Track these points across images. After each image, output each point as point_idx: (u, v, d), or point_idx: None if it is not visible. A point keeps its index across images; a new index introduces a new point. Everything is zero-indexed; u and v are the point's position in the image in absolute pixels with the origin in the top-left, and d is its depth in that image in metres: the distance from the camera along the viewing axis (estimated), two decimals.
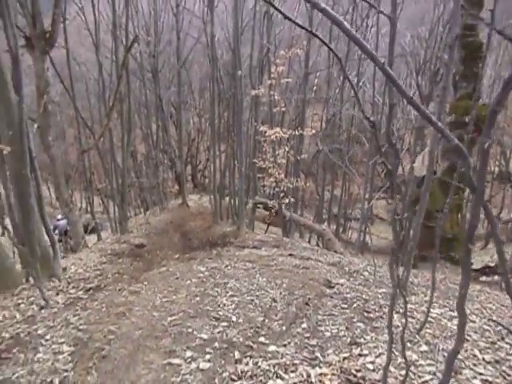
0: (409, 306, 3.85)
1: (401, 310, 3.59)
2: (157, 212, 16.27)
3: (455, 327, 3.35)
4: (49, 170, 11.78)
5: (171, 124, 23.90)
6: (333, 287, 4.52)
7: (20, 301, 4.23)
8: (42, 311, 3.80)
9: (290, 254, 7.15)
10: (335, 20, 0.89)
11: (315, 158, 18.20)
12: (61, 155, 19.98)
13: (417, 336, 3.14)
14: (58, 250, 5.68)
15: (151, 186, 18.64)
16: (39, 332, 3.28)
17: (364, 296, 4.14)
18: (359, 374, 2.58)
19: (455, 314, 3.71)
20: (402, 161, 13.64)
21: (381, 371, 2.55)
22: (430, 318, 3.38)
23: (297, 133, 10.19)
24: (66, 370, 2.64)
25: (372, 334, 3.17)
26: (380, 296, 4.18)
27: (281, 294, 4.25)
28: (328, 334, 3.17)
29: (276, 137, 9.61)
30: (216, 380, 2.53)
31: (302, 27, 1.26)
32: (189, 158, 28.90)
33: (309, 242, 13.08)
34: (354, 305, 3.83)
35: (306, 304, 3.91)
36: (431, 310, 3.55)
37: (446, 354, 2.83)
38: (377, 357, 2.79)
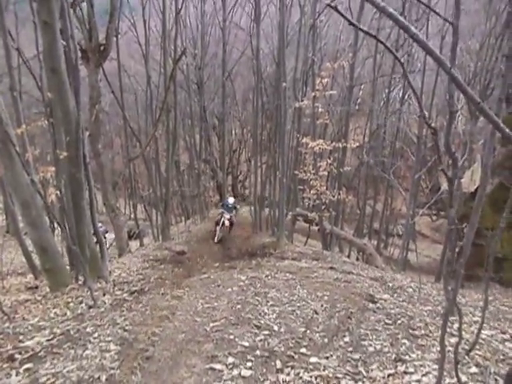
0: (456, 325, 3.70)
1: (448, 330, 3.45)
2: (197, 221, 16.53)
3: (507, 350, 3.19)
4: (97, 177, 12.27)
5: (214, 135, 24.35)
6: (376, 302, 4.41)
7: (70, 299, 4.42)
8: (91, 310, 3.95)
9: (331, 267, 7.05)
10: (402, 24, 0.89)
11: (357, 171, 17.93)
12: (108, 163, 20.83)
13: (466, 357, 3.00)
14: (106, 253, 5.89)
15: (193, 195, 19.01)
16: (88, 330, 3.41)
17: (409, 313, 4.01)
18: None
19: (507, 336, 3.52)
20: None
21: None
22: (480, 340, 3.23)
23: (340, 145, 10.09)
24: (113, 368, 2.72)
25: (418, 352, 3.06)
26: (425, 313, 4.04)
27: (322, 306, 4.19)
28: (372, 348, 3.09)
29: (319, 148, 9.55)
30: None
31: (368, 33, 1.27)
32: (230, 168, 29.28)
33: (348, 256, 12.83)
34: (399, 321, 3.72)
35: (349, 318, 3.83)
36: (481, 331, 3.40)
37: (497, 378, 2.69)
38: (423, 375, 2.69)
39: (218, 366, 2.78)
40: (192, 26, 18.66)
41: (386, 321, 3.73)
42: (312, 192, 10.65)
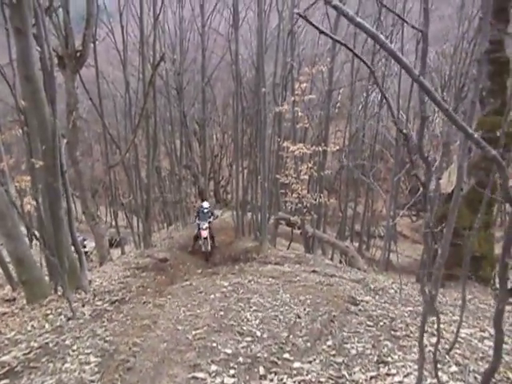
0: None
1: (429, 330, 3.50)
2: (180, 227, 16.41)
3: (486, 348, 3.25)
4: (76, 185, 12.05)
5: (195, 140, 24.26)
6: (358, 304, 4.45)
7: (48, 311, 4.32)
8: (70, 322, 3.85)
9: (314, 271, 7.07)
10: (371, 33, 0.91)
11: (338, 174, 18.10)
12: (87, 170, 20.52)
13: (446, 356, 3.05)
14: (85, 263, 5.78)
15: (174, 201, 18.87)
16: (67, 342, 3.33)
17: (390, 314, 4.06)
18: None
19: (486, 334, 3.59)
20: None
21: None
22: (459, 339, 3.28)
23: (320, 149, 10.18)
24: (93, 381, 2.67)
25: (399, 353, 3.09)
26: (406, 314, 4.09)
27: (305, 310, 4.21)
28: (354, 351, 3.11)
29: (299, 152, 9.62)
30: None
31: (338, 41, 1.28)
32: (211, 173, 29.20)
33: (331, 259, 12.91)
34: (381, 323, 3.75)
35: (331, 321, 3.85)
36: (461, 330, 3.46)
37: (477, 376, 2.74)
38: (405, 376, 2.72)
39: (200, 375, 2.76)
40: (170, 32, 18.59)
41: (368, 323, 3.76)
42: (294, 196, 10.71)
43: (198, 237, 10.67)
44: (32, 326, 3.87)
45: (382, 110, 14.48)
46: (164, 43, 17.57)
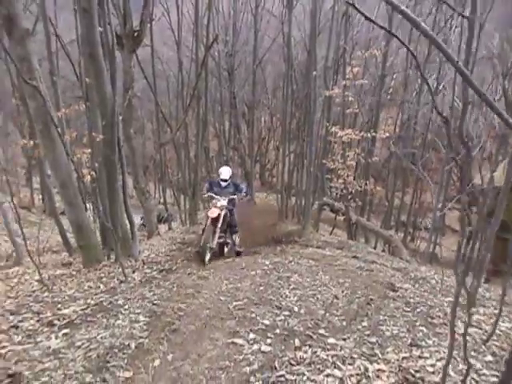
0: (477, 317, 3.73)
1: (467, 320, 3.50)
2: None
3: None
4: (128, 161, 12.61)
5: (243, 122, 24.47)
6: (396, 291, 4.47)
7: (102, 275, 4.70)
8: (122, 285, 4.20)
9: (354, 257, 7.10)
10: (414, 21, 0.97)
11: (387, 162, 17.70)
12: (139, 147, 21.30)
13: (483, 346, 3.05)
14: (136, 233, 6.15)
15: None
16: (119, 302, 3.65)
17: (429, 302, 4.06)
18: (418, 375, 2.58)
19: None
20: (481, 167, 12.88)
21: (440, 374, 2.54)
22: (498, 331, 3.26)
23: (369, 135, 10.03)
24: (142, 337, 2.92)
25: (434, 339, 3.13)
26: (446, 304, 4.07)
27: (343, 292, 4.29)
28: (388, 333, 3.18)
29: (347, 138, 9.54)
30: (276, 362, 2.66)
31: (382, 27, 1.35)
32: (258, 156, 29.39)
33: (374, 247, 12.79)
34: (418, 309, 3.78)
35: (368, 304, 3.92)
36: (501, 323, 3.43)
37: None
38: (438, 360, 2.77)
39: (239, 341, 2.94)
40: (224, 13, 18.71)
41: (405, 308, 3.79)
42: (339, 181, 10.68)
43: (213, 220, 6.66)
44: (88, 286, 4.25)
45: (436, 98, 13.94)
46: (218, 24, 17.73)
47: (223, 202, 6.95)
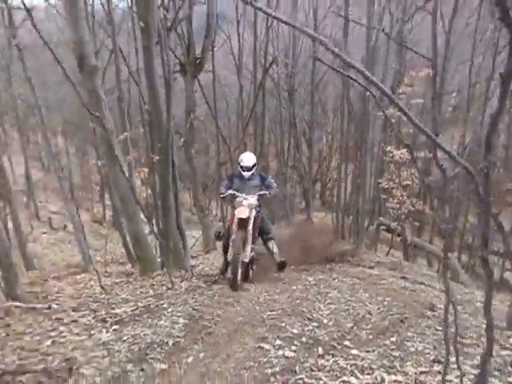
0: None
1: (503, 343, 3.46)
2: (282, 225, 17.02)
3: None
4: (190, 179, 13.37)
5: (303, 142, 24.75)
6: (435, 311, 4.46)
7: (154, 283, 5.21)
8: (169, 292, 4.65)
9: (403, 277, 7.03)
10: (346, 61, 1.21)
11: (451, 183, 17.04)
12: (202, 167, 22.32)
13: (510, 368, 3.05)
14: (188, 248, 6.63)
15: (279, 199, 19.60)
16: (164, 306, 4.07)
17: (466, 324, 4.03)
18: None
19: None
20: None
21: None
22: None
23: (426, 155, 9.90)
24: (179, 337, 3.28)
25: (460, 358, 3.15)
26: (484, 326, 4.01)
27: (379, 309, 4.37)
28: (413, 349, 3.25)
29: (400, 158, 9.50)
30: (297, 367, 2.87)
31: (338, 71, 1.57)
32: (318, 175, 29.43)
33: (437, 271, 12.33)
34: (451, 329, 3.78)
35: (401, 321, 3.97)
36: None
37: None
38: (457, 377, 2.82)
39: (266, 346, 3.18)
40: (285, 36, 19.29)
41: (438, 327, 3.80)
42: (394, 202, 10.57)
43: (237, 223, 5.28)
44: (140, 291, 4.76)
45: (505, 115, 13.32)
46: (277, 47, 18.34)
47: (251, 199, 5.36)
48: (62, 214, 18.84)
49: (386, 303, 4.66)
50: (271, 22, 13.42)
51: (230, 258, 5.33)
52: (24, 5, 3.15)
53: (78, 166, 26.38)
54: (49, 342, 3.11)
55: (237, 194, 5.50)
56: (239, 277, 5.14)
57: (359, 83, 1.54)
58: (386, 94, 1.27)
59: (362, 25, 11.01)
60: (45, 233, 15.62)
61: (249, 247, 5.37)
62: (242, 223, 5.26)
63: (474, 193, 1.23)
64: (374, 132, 12.33)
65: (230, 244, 5.38)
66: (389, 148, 10.26)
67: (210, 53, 12.09)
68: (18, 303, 3.86)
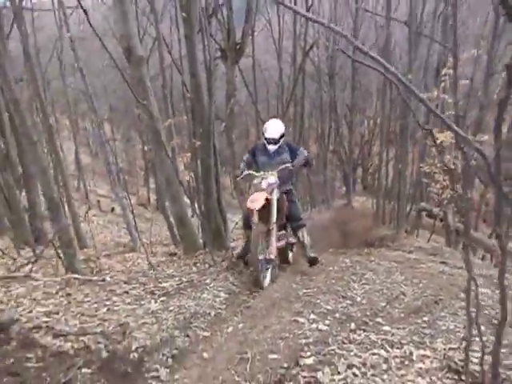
0: None
1: None
2: (322, 209, 17.07)
3: None
4: (231, 164, 13.66)
5: (344, 125, 24.45)
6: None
7: (197, 261, 5.55)
8: (211, 269, 4.97)
9: (443, 262, 6.99)
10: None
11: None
12: (242, 151, 22.59)
13: None
14: (228, 228, 6.91)
15: (319, 184, 19.62)
16: (206, 281, 4.38)
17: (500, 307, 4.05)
18: (461, 363, 2.77)
19: None
20: None
21: (485, 366, 2.70)
22: None
23: (471, 138, 9.61)
24: (220, 309, 3.59)
25: (491, 337, 3.22)
26: None
27: (413, 290, 4.46)
28: (444, 327, 3.35)
29: (443, 141, 9.28)
30: (330, 339, 3.05)
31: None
32: (360, 159, 29.05)
33: (482, 258, 12.03)
34: (485, 311, 3.83)
35: (435, 302, 4.05)
36: None
37: None
38: (485, 354, 2.90)
39: (301, 320, 3.38)
40: (325, 18, 19.00)
41: (472, 309, 3.86)
42: (437, 186, 10.38)
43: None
44: (184, 268, 5.13)
45: None
46: (318, 29, 18.11)
47: (271, 178, 4.46)
48: (109, 198, 19.81)
49: (421, 285, 4.73)
50: (311, 2, 13.31)
51: (238, 252, 5.05)
52: (81, 6, 3.40)
53: (123, 151, 27.41)
54: (104, 310, 3.49)
55: (253, 173, 4.64)
56: (267, 278, 4.48)
57: (381, 72, 1.64)
58: (403, 83, 1.39)
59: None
60: (94, 215, 16.48)
61: (273, 240, 4.51)
62: (263, 212, 4.36)
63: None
64: (418, 116, 12.02)
65: (253, 227, 4.53)
66: (432, 131, 10.04)
67: (250, 37, 12.15)
68: (76, 275, 4.31)
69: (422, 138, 12.55)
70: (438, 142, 9.27)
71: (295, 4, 12.24)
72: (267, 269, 4.49)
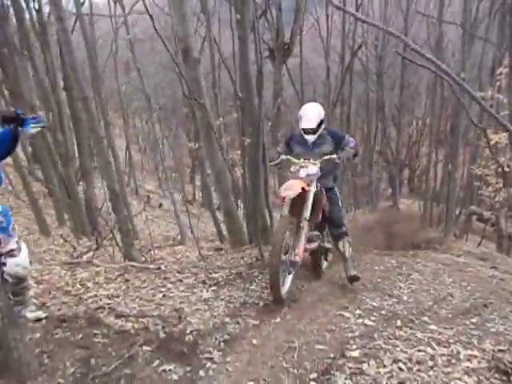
0: None
1: None
2: (366, 211, 16.87)
3: None
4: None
5: (392, 126, 23.95)
6: None
7: (244, 254, 5.79)
8: (258, 262, 5.14)
9: (493, 267, 6.79)
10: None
11: None
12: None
13: None
14: (274, 226, 7.04)
15: (364, 185, 19.37)
16: (254, 274, 4.55)
17: None
18: (510, 365, 2.76)
19: None
20: None
21: None
22: None
23: None
24: (268, 300, 3.72)
25: None
26: None
27: (461, 292, 4.41)
28: (493, 330, 3.33)
29: (497, 142, 8.98)
30: (375, 334, 3.11)
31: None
32: (407, 161, 28.35)
33: None
34: None
35: (484, 305, 4.00)
36: None
37: None
38: None
39: (347, 314, 3.46)
40: (375, 17, 18.70)
41: None
42: (489, 189, 10.06)
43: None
44: (233, 261, 5.38)
45: None
46: (366, 28, 17.87)
47: (312, 168, 3.72)
48: (157, 194, 20.53)
49: (469, 288, 4.66)
50: (361, 1, 13.19)
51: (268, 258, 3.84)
52: (148, 12, 3.66)
53: (169, 149, 28.23)
54: (160, 295, 3.75)
55: (292, 159, 3.89)
56: (287, 284, 3.72)
57: (434, 71, 1.69)
58: (456, 82, 1.47)
59: None
60: (144, 209, 17.15)
61: (303, 239, 3.66)
62: (296, 205, 3.63)
63: None
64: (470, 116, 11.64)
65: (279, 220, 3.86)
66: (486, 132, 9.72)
67: (299, 37, 12.24)
68: (134, 263, 4.62)
69: (475, 139, 12.13)
70: (492, 142, 9.02)
71: (344, 3, 12.18)
72: (289, 273, 3.73)
